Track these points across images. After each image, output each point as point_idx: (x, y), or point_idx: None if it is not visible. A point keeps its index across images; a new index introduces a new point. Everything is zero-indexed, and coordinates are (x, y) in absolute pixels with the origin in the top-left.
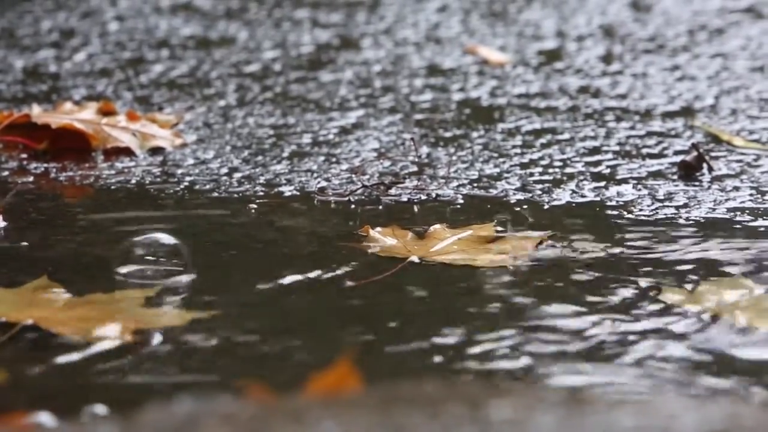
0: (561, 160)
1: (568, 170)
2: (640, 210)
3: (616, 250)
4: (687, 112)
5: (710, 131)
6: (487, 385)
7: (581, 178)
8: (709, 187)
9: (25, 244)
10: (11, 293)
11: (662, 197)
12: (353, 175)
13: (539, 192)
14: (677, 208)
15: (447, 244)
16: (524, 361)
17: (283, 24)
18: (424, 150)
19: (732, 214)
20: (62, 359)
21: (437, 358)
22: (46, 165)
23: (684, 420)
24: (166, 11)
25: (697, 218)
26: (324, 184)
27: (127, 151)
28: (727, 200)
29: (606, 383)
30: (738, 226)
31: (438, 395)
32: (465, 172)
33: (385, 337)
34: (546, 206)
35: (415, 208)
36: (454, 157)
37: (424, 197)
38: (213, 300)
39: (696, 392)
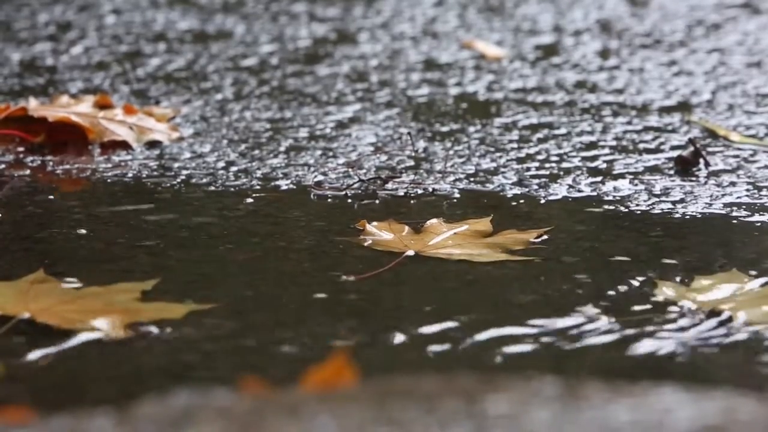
0: (558, 155)
1: (564, 165)
2: (637, 205)
3: (611, 245)
4: (684, 107)
5: (707, 126)
6: (483, 379)
7: (578, 173)
8: (705, 183)
9: (22, 237)
10: (8, 286)
11: (659, 192)
12: (350, 170)
13: (536, 187)
14: (674, 203)
15: (443, 239)
16: (519, 356)
17: (280, 18)
18: (421, 144)
19: (728, 209)
20: (59, 353)
21: (433, 353)
22: (42, 158)
23: (679, 414)
24: (163, 5)
25: (694, 213)
26: (321, 178)
27: (124, 145)
28: (723, 195)
29: (601, 379)
30: (734, 221)
31: (434, 390)
32: (462, 166)
33: (381, 331)
34: (542, 201)
35: (412, 203)
36: (451, 152)
37: (420, 192)
38: (209, 293)
39: (691, 387)
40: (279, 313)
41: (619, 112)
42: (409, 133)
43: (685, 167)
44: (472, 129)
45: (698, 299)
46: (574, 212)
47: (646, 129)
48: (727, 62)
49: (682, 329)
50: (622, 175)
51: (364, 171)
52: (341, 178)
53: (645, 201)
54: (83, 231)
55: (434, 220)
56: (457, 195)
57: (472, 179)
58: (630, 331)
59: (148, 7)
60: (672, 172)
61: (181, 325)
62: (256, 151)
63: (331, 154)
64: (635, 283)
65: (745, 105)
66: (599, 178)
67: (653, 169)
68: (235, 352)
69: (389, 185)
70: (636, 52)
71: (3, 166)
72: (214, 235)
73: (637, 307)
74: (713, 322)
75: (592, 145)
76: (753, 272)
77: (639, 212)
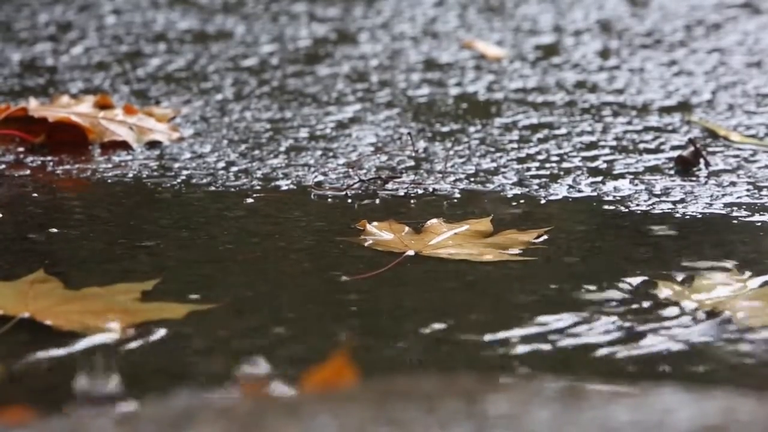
0: (558, 155)
1: (565, 165)
2: (637, 205)
3: (611, 245)
4: (684, 107)
5: (707, 126)
6: (483, 379)
7: (578, 173)
8: (705, 183)
9: (22, 237)
10: (8, 286)
11: (659, 192)
12: (350, 170)
13: (536, 187)
14: (674, 203)
15: (444, 239)
16: (519, 356)
17: (280, 18)
18: (421, 144)
19: (729, 209)
20: (59, 353)
21: (433, 353)
22: (42, 158)
23: (679, 414)
24: (164, 5)
25: (694, 213)
26: (321, 178)
27: (124, 145)
28: (723, 195)
29: (601, 379)
30: (735, 221)
31: (434, 390)
32: (462, 166)
33: (382, 331)
34: (543, 201)
35: (412, 203)
36: (451, 152)
37: (421, 192)
38: (209, 294)
39: (691, 387)
40: (279, 313)
41: (620, 112)
42: (409, 133)
43: (685, 167)
44: (472, 129)
45: (698, 299)
46: (574, 212)
47: (647, 129)
48: (727, 62)
49: (682, 329)
50: (622, 175)
51: (365, 171)
52: (341, 179)
53: (645, 201)
54: (83, 231)
55: (434, 220)
56: (457, 195)
57: (472, 179)
58: (630, 331)
59: (149, 7)
60: (672, 172)
61: (181, 325)
62: (257, 152)
63: (331, 154)
64: (635, 283)
65: (745, 105)
66: (599, 178)
67: (653, 169)
68: (235, 352)
69: (389, 185)
70: (636, 52)
71: (3, 166)
72: (214, 235)
73: (637, 307)
74: (713, 322)
75: (592, 145)
76: (753, 272)
77: (639, 212)
